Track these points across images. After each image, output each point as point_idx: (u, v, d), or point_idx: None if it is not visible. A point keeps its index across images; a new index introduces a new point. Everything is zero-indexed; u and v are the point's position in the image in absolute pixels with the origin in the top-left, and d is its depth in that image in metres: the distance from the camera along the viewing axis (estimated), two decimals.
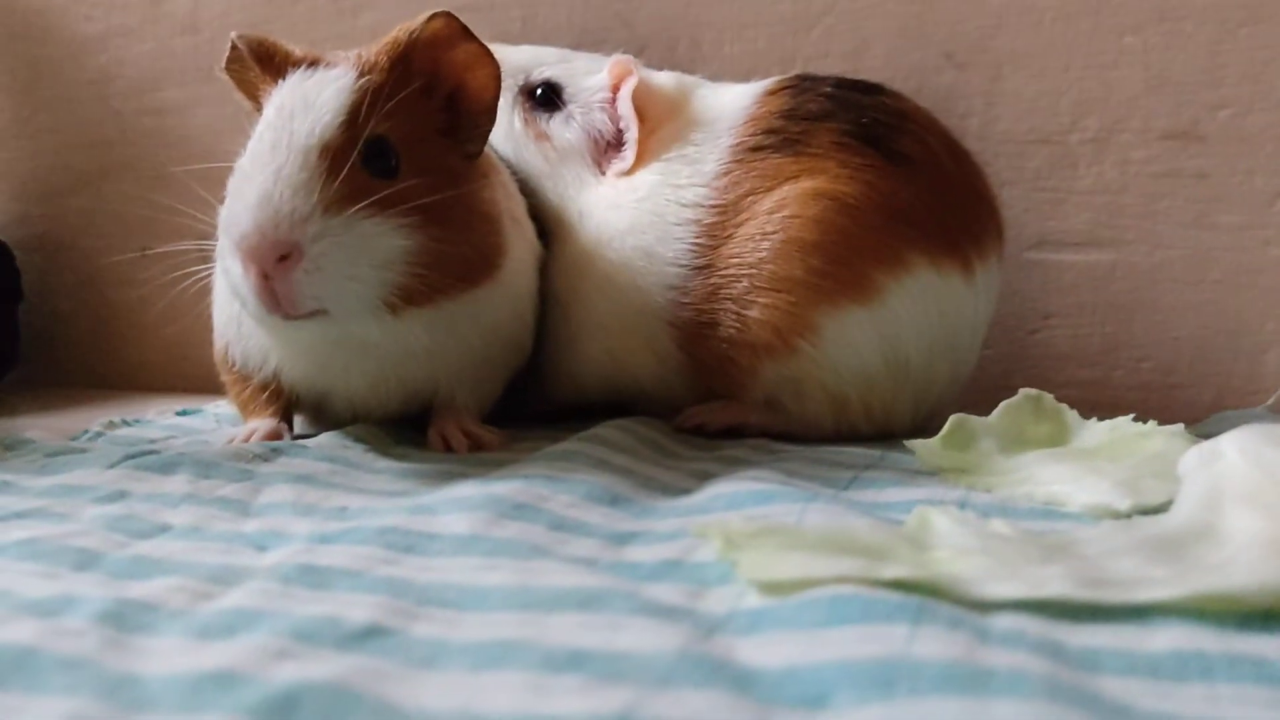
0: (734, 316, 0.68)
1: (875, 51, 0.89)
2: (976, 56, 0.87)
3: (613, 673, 0.30)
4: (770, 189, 0.69)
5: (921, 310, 0.68)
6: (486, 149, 0.67)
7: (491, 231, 0.65)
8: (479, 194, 0.65)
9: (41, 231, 1.14)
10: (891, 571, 0.36)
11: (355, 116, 0.59)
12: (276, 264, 0.56)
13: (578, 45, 0.91)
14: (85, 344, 1.15)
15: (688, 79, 0.78)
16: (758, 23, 0.92)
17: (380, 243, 0.58)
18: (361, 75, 0.60)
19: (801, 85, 0.73)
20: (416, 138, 0.61)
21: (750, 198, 0.69)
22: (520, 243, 0.71)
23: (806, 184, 0.68)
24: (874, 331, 0.67)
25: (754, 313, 0.68)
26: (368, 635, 0.33)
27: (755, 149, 0.70)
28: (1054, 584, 0.35)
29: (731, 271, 0.69)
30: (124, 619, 0.35)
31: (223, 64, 0.65)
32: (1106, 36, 0.84)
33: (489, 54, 0.63)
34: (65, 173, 1.14)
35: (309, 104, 0.59)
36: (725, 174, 0.70)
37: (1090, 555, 0.39)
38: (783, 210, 0.67)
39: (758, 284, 0.68)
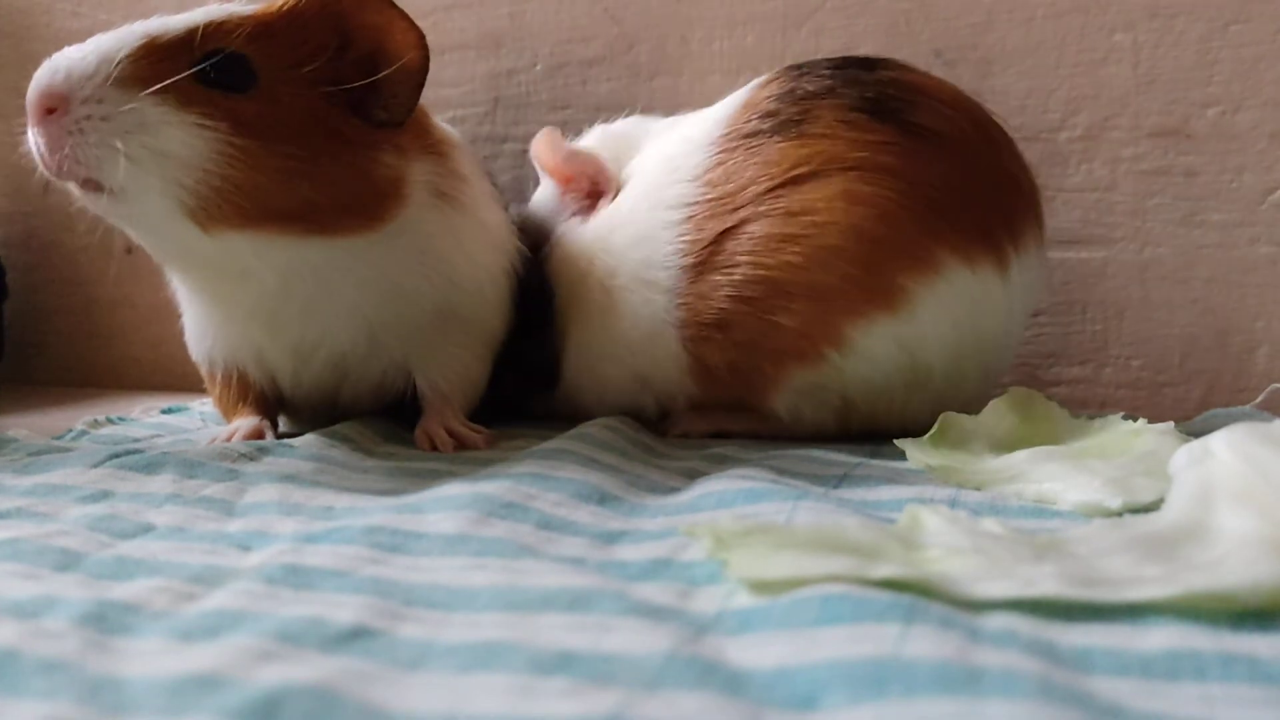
0: (757, 322, 0.64)
1: (865, 49, 0.88)
2: (966, 54, 0.87)
3: (601, 674, 0.30)
4: (775, 178, 0.64)
5: (948, 316, 0.63)
6: (448, 131, 0.66)
7: (362, 189, 0.62)
8: (363, 153, 0.62)
9: (26, 229, 1.13)
10: (882, 571, 0.36)
11: (210, 28, 0.58)
12: (44, 115, 0.56)
13: (566, 41, 0.90)
14: (69, 341, 1.14)
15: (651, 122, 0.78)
16: (747, 20, 0.91)
17: (166, 132, 0.56)
18: (258, 8, 0.61)
19: (795, 70, 0.68)
20: (293, 79, 0.60)
21: (752, 188, 0.65)
22: (451, 217, 0.68)
23: (824, 181, 0.63)
24: (895, 342, 0.63)
25: (780, 319, 0.64)
26: (353, 636, 0.33)
27: (750, 135, 0.66)
28: (1046, 583, 0.35)
29: (743, 273, 0.64)
30: (106, 620, 0.34)
31: None
32: (1096, 34, 0.84)
33: (405, 20, 0.61)
34: None
35: (184, 14, 0.60)
36: (719, 165, 0.67)
37: (1082, 554, 0.39)
38: (807, 214, 0.63)
39: (782, 289, 0.63)
